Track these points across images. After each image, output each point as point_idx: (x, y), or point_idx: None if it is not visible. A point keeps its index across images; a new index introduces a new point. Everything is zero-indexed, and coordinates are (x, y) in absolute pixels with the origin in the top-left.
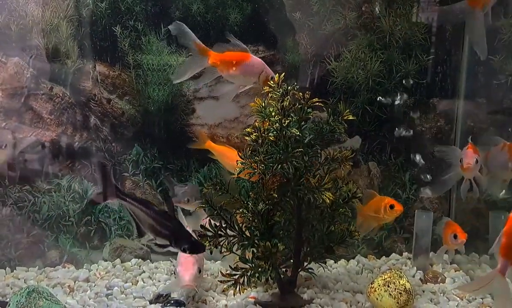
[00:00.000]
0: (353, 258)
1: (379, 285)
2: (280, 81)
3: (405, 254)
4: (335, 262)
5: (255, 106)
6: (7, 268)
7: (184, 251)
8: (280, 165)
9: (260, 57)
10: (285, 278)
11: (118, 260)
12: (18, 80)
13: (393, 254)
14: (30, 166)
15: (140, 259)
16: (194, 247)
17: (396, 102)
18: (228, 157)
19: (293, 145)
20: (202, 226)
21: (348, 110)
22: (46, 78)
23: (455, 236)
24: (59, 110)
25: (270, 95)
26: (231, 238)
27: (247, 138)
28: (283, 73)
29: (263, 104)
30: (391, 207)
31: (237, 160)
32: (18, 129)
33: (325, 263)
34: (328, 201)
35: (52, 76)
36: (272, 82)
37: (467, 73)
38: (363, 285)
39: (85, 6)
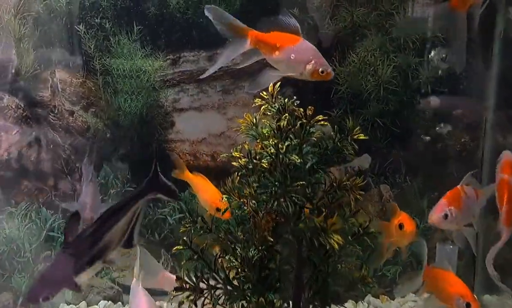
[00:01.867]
0: (363, 299)
1: None
2: (276, 91)
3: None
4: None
5: (244, 123)
6: None
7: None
8: (276, 201)
9: None
10: None
11: (83, 303)
12: None
13: (410, 294)
14: None
15: (109, 301)
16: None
17: (412, 115)
18: (206, 193)
19: (292, 173)
20: (177, 277)
21: (358, 127)
22: None
23: (401, 226)
24: (12, 124)
25: (262, 108)
26: (213, 290)
27: (234, 163)
28: (278, 82)
29: (254, 120)
30: (400, 226)
31: (221, 196)
32: None
33: None
34: (337, 246)
35: (3, 84)
36: (320, 74)
37: (499, 80)
38: None
39: (41, 1)
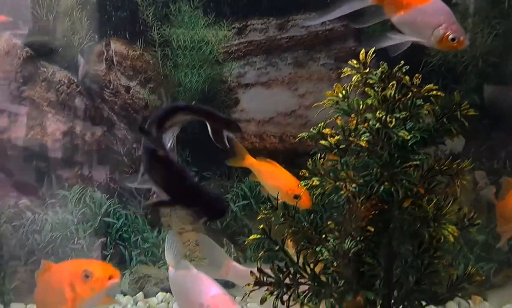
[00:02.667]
0: (452, 299)
1: None
2: (370, 59)
3: None
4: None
5: (332, 96)
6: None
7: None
8: (382, 186)
9: (326, 29)
10: None
11: (140, 294)
12: (10, 62)
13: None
14: (28, 174)
15: (168, 294)
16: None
17: None
18: (278, 180)
19: (399, 153)
20: (258, 269)
21: (466, 102)
22: (46, 60)
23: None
24: (64, 101)
25: (354, 78)
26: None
27: (323, 142)
28: (373, 48)
29: (344, 91)
30: None
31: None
32: (11, 126)
33: None
34: (452, 238)
35: (54, 57)
36: (450, 41)
37: None
38: None
39: None
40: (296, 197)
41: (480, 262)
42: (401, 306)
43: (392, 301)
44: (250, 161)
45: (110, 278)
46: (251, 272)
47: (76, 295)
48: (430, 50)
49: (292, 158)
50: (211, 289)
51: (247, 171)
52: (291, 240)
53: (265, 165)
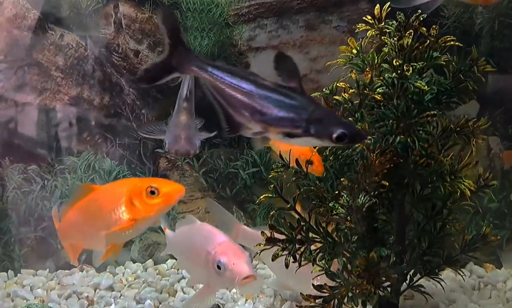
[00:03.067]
0: (463, 266)
1: None
2: (385, 13)
3: None
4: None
5: (347, 51)
6: (9, 271)
7: (340, 140)
8: (397, 137)
9: None
10: (383, 299)
11: (150, 261)
12: (18, 25)
13: None
14: (37, 140)
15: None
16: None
17: None
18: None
19: (415, 105)
20: (270, 226)
21: (483, 58)
22: (54, 23)
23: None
24: (72, 65)
25: (369, 34)
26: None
27: (336, 97)
28: (388, 3)
29: (359, 47)
30: None
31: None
32: (19, 91)
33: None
34: (468, 192)
35: (63, 20)
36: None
37: None
38: None
39: None
40: (309, 162)
41: (494, 230)
42: (413, 269)
43: (405, 263)
44: None
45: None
46: (262, 232)
47: (137, 214)
48: (445, 12)
49: None
50: (217, 237)
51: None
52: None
53: None
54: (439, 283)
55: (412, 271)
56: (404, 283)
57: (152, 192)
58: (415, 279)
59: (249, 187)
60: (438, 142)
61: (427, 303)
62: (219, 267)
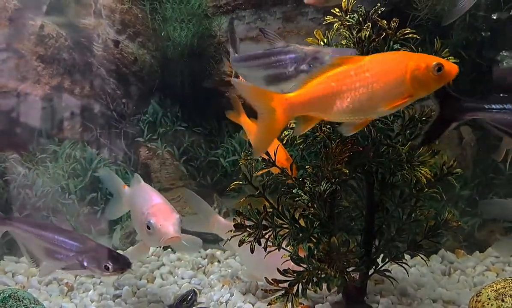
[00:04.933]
0: (435, 252)
1: (489, 299)
2: (351, 6)
3: None
4: (410, 258)
5: (314, 42)
6: None
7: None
8: None
9: None
10: (351, 283)
11: (131, 249)
12: None
13: (489, 249)
14: (18, 130)
15: (158, 248)
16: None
17: (503, 45)
18: None
19: None
20: (238, 212)
21: (447, 49)
22: (34, 13)
23: None
24: (52, 55)
25: (335, 25)
26: (279, 229)
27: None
28: None
29: (326, 39)
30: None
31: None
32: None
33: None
34: (424, 180)
35: (43, 9)
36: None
37: None
38: (456, 292)
39: None
40: (282, 170)
41: (465, 217)
42: (382, 255)
43: (374, 249)
44: (243, 119)
45: None
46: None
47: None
48: (418, 5)
49: None
50: (153, 199)
51: (237, 126)
52: None
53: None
54: (403, 267)
55: (382, 256)
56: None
57: (439, 70)
58: (381, 264)
59: (230, 175)
60: (405, 131)
61: (396, 288)
62: (148, 227)
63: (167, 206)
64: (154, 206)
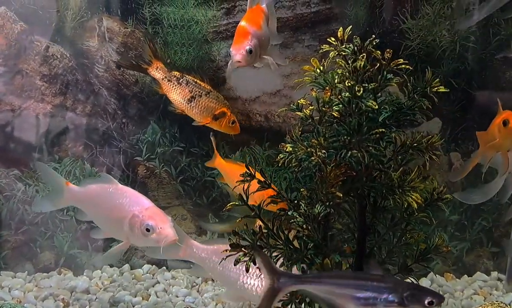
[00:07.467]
0: (425, 276)
1: None
2: (347, 36)
3: (493, 274)
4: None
5: (310, 70)
6: None
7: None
8: (349, 152)
9: (312, 12)
10: None
11: (126, 266)
12: (4, 36)
13: (478, 273)
14: (20, 146)
15: (154, 266)
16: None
17: (491, 75)
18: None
19: (368, 123)
20: (234, 233)
21: (437, 79)
22: (40, 35)
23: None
24: (57, 75)
25: (331, 55)
26: (273, 250)
27: (298, 113)
28: (350, 26)
29: (322, 67)
30: (504, 123)
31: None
32: (5, 99)
33: None
34: (415, 205)
35: (48, 32)
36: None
37: None
38: None
39: None
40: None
41: (454, 241)
42: None
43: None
44: (218, 163)
45: None
46: (229, 240)
47: None
48: (410, 35)
49: (277, 137)
50: (144, 201)
51: (234, 148)
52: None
53: (233, 169)
54: None
55: None
56: None
57: None
58: None
59: (225, 195)
60: (397, 157)
61: None
62: (147, 230)
63: (159, 209)
64: (149, 209)
